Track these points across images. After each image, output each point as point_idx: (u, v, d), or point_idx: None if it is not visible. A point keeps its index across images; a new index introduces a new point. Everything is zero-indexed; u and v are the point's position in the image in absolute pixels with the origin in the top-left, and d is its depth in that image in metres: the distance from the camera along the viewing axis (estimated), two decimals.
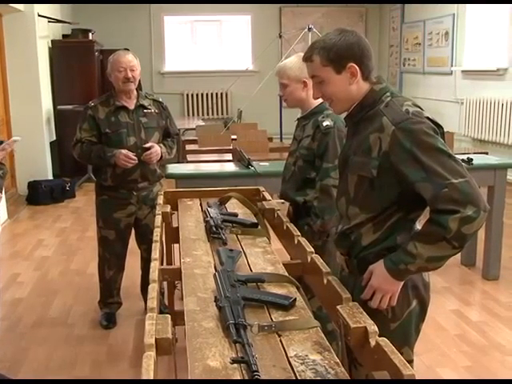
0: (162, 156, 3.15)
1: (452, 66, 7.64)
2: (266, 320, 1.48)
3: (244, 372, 1.23)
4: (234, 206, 2.64)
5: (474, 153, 4.99)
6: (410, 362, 1.64)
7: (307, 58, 1.66)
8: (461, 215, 1.43)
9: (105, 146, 3.08)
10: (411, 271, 1.54)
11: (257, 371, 1.18)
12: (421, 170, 1.48)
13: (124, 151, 3.02)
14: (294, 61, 2.42)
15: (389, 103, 1.59)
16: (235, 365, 1.24)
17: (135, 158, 3.04)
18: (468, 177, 1.47)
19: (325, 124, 2.38)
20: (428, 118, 1.55)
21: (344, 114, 1.74)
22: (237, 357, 1.25)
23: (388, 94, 1.62)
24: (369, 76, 1.64)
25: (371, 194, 1.61)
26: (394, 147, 1.52)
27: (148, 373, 1.17)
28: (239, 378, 1.22)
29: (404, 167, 1.51)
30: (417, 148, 1.49)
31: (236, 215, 2.43)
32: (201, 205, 2.74)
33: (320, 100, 2.21)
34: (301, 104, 2.49)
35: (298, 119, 2.60)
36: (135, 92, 3.14)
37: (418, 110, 1.56)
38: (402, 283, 1.59)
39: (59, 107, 7.04)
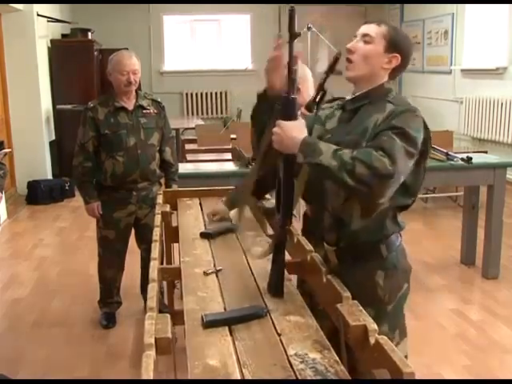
0: None
1: (451, 65, 7.64)
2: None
3: (244, 371, 1.23)
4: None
5: (474, 152, 5.00)
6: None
7: (379, 22, 1.74)
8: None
9: (91, 189, 3.16)
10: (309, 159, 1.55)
11: None
12: (385, 140, 1.53)
13: (97, 209, 3.15)
14: None
15: (396, 97, 1.72)
16: (235, 364, 1.25)
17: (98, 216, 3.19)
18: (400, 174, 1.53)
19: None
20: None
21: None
22: None
23: (393, 93, 1.75)
24: (395, 77, 1.77)
25: None
26: (385, 121, 1.61)
27: (148, 372, 1.16)
28: (239, 377, 1.22)
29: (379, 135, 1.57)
30: (398, 131, 1.55)
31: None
32: (200, 204, 2.74)
33: None
34: None
35: None
36: (134, 92, 3.14)
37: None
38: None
39: (58, 107, 7.03)
